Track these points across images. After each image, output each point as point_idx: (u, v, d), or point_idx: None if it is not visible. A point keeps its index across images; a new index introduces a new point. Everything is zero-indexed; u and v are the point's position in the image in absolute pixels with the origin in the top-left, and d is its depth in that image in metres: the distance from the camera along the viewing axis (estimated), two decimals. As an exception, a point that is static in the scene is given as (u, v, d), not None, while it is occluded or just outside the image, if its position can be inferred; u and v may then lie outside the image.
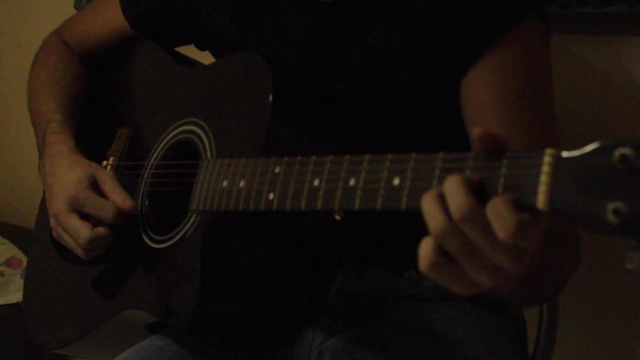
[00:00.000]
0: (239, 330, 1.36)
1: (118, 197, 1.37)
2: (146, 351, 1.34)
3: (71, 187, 1.39)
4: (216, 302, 1.28)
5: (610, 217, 0.77)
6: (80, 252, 1.39)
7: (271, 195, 1.12)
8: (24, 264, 2.55)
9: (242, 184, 1.18)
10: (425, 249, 0.87)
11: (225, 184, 1.22)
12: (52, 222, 1.42)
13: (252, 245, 1.30)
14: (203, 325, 1.35)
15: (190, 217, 1.29)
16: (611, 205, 0.77)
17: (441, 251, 0.87)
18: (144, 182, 1.44)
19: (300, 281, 1.36)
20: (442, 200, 0.86)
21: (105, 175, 1.40)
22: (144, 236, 1.39)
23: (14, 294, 2.52)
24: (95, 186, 1.39)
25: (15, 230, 2.83)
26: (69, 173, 1.41)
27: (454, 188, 0.85)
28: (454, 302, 1.36)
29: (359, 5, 1.30)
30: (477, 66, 1.23)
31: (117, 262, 1.43)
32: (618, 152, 0.77)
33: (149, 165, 1.44)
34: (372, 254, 1.39)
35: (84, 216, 1.38)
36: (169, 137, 1.43)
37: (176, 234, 1.31)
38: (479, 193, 0.86)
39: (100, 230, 1.36)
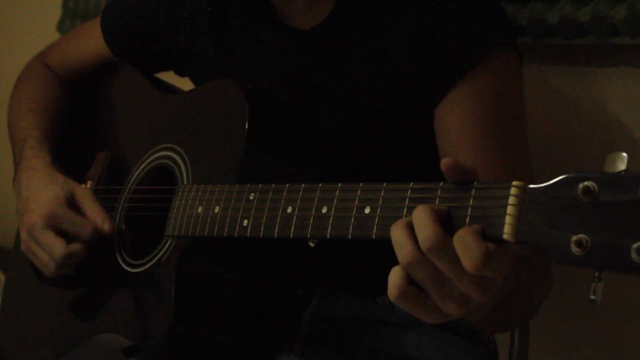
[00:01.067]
0: (213, 355, 1.36)
1: (98, 218, 1.37)
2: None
3: (48, 203, 1.39)
4: (190, 327, 1.29)
5: (574, 249, 0.79)
6: (50, 268, 1.39)
7: (245, 222, 1.14)
8: (2, 283, 2.54)
9: (217, 209, 1.20)
10: (394, 278, 0.88)
11: (200, 209, 1.23)
12: (24, 236, 1.42)
13: (227, 271, 1.31)
14: (177, 349, 1.35)
15: (166, 242, 1.31)
16: (575, 237, 0.79)
17: (410, 280, 0.88)
18: (121, 206, 1.45)
19: (274, 306, 1.37)
20: (410, 230, 0.88)
21: (84, 194, 1.41)
22: (119, 260, 1.40)
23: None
24: (72, 203, 1.40)
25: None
26: (46, 189, 1.42)
27: (422, 218, 0.87)
28: (426, 328, 1.37)
29: (336, 34, 1.32)
30: (451, 95, 1.24)
31: (93, 284, 1.44)
32: (582, 185, 0.79)
33: (127, 190, 1.46)
34: (346, 279, 1.40)
35: (59, 233, 1.38)
36: (146, 162, 1.45)
37: (151, 259, 1.32)
38: (447, 223, 0.88)
39: (76, 247, 1.37)
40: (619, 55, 1.50)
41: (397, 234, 0.89)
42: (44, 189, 1.42)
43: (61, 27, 2.53)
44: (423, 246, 0.86)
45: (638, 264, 0.75)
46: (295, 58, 1.36)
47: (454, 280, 0.86)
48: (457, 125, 1.24)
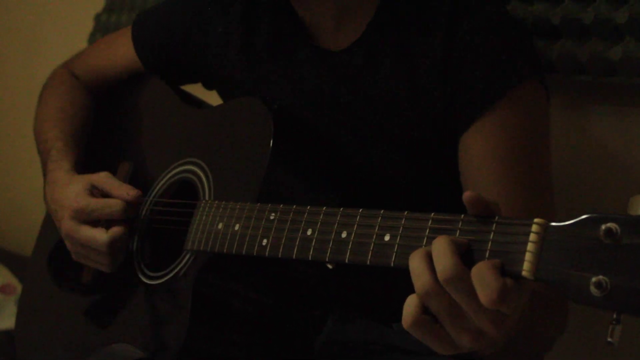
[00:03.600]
0: (224, 372, 1.37)
1: (122, 191, 1.39)
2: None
3: (72, 203, 1.40)
4: (204, 342, 1.29)
5: (594, 290, 0.79)
6: (106, 262, 1.38)
7: (264, 242, 1.15)
8: (19, 291, 2.56)
9: (237, 227, 1.20)
10: (410, 306, 0.88)
11: (220, 226, 1.23)
12: (69, 245, 1.42)
13: (243, 288, 1.31)
14: (189, 363, 1.36)
15: (185, 256, 1.31)
16: (595, 279, 0.79)
17: (425, 309, 0.88)
18: (142, 218, 1.45)
19: (289, 327, 1.37)
20: (429, 260, 0.88)
21: (101, 178, 1.42)
22: (138, 271, 1.40)
23: (6, 321, 2.50)
24: (94, 192, 1.41)
25: (11, 256, 2.84)
26: (67, 191, 1.43)
27: (441, 249, 0.87)
28: (440, 357, 1.37)
29: (365, 57, 1.33)
30: (475, 125, 1.25)
31: (110, 295, 1.44)
32: (605, 227, 0.79)
33: (148, 202, 1.46)
34: (363, 304, 1.40)
35: (95, 224, 1.39)
36: (169, 175, 1.45)
37: (169, 272, 1.33)
38: (467, 256, 0.88)
39: (116, 229, 1.37)
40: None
41: (416, 263, 0.89)
42: (65, 193, 1.43)
43: (92, 40, 2.55)
44: (441, 277, 0.86)
45: (657, 309, 0.75)
46: (322, 79, 1.37)
47: (470, 314, 0.86)
48: (480, 156, 1.24)
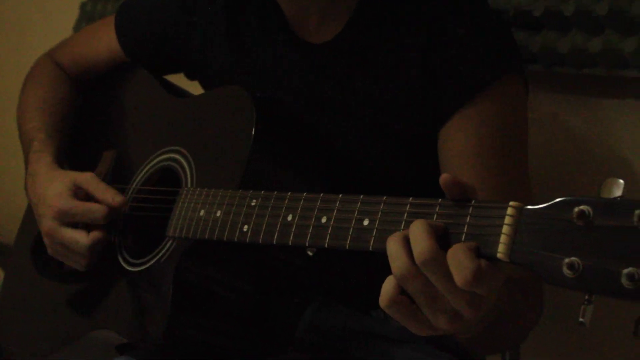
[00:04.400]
0: (206, 356, 1.37)
1: (107, 196, 1.38)
2: (113, 370, 1.36)
3: (54, 203, 1.40)
4: (186, 328, 1.30)
5: (566, 271, 0.80)
6: (82, 262, 1.40)
7: (245, 227, 1.16)
8: (1, 277, 2.56)
9: (218, 214, 1.21)
10: (387, 287, 0.90)
11: (202, 212, 1.24)
12: (47, 242, 1.43)
13: (224, 275, 1.32)
14: (171, 349, 1.36)
15: (167, 243, 1.32)
16: (567, 260, 0.80)
17: (402, 291, 0.90)
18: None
19: (270, 313, 1.38)
20: (406, 243, 0.89)
21: (86, 179, 1.41)
22: (120, 259, 1.41)
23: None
24: (78, 193, 1.41)
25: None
26: (49, 189, 1.43)
27: (418, 232, 0.88)
28: (418, 344, 1.38)
29: (347, 50, 1.34)
30: (455, 118, 1.26)
31: (92, 282, 1.45)
32: (577, 209, 0.80)
33: (131, 189, 1.47)
34: (342, 291, 1.41)
35: (77, 226, 1.39)
36: (152, 163, 1.46)
37: (151, 259, 1.33)
38: (443, 239, 0.89)
39: (97, 234, 1.38)
40: (627, 88, 1.51)
41: (393, 246, 0.90)
42: (46, 190, 1.43)
43: (77, 28, 2.55)
44: (418, 259, 0.87)
45: (628, 289, 0.76)
46: (305, 71, 1.38)
47: (446, 295, 0.87)
48: (459, 148, 1.26)
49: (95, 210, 1.38)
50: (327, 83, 1.36)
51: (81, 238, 1.37)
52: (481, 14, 1.30)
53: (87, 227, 1.39)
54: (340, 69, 1.35)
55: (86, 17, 2.55)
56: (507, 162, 1.26)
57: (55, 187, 1.42)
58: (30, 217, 1.66)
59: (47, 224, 1.41)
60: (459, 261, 0.85)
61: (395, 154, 1.35)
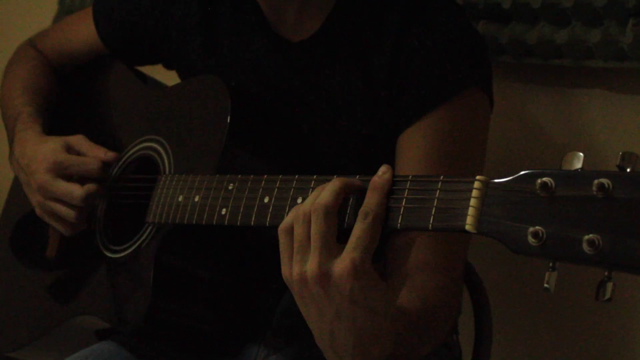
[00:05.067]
0: (186, 341, 1.40)
1: (99, 152, 1.44)
2: (93, 355, 1.38)
3: (49, 156, 1.44)
4: (166, 312, 1.33)
5: (531, 240, 0.84)
6: (72, 219, 1.43)
7: (224, 211, 1.19)
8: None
9: (197, 198, 1.24)
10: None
11: (181, 198, 1.28)
12: (38, 199, 1.45)
13: (204, 260, 1.36)
14: (152, 333, 1.39)
15: (147, 229, 1.35)
16: (532, 229, 0.84)
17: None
18: (104, 193, 1.49)
19: (248, 298, 1.41)
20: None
21: (78, 139, 1.47)
22: (100, 246, 1.44)
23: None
24: (70, 152, 1.45)
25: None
26: (42, 147, 1.46)
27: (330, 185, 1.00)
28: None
29: (321, 51, 1.37)
30: (415, 126, 1.29)
31: (73, 269, 1.48)
32: (540, 181, 0.84)
33: (110, 178, 1.49)
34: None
35: (69, 180, 1.43)
36: (130, 152, 1.49)
37: (132, 245, 1.36)
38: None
39: (92, 186, 1.42)
40: (593, 78, 1.55)
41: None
42: (39, 148, 1.47)
43: (57, 21, 2.52)
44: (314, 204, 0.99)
45: (588, 255, 0.80)
46: (279, 68, 1.40)
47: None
48: (414, 155, 1.29)
49: (90, 161, 1.43)
50: (299, 81, 1.39)
51: (76, 190, 1.41)
52: (452, 27, 1.31)
53: (80, 183, 1.43)
54: (313, 68, 1.38)
55: (65, 11, 2.55)
56: (455, 169, 1.28)
57: (48, 145, 1.46)
58: (9, 207, 1.69)
59: (40, 177, 1.44)
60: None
61: (355, 152, 1.38)
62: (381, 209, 0.98)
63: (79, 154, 1.45)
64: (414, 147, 1.29)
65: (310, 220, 0.98)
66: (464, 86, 1.29)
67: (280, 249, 1.02)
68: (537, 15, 1.54)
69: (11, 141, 1.56)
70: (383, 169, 1.00)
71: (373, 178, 1.00)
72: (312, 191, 1.05)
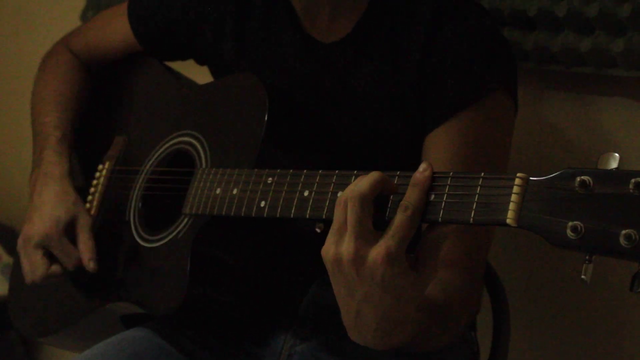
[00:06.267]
0: (216, 329, 1.44)
1: (86, 255, 1.49)
2: (126, 341, 1.42)
3: (48, 225, 1.50)
4: (198, 300, 1.37)
5: (570, 234, 0.89)
6: (28, 279, 1.52)
7: (262, 203, 1.23)
8: (4, 260, 2.63)
9: (235, 191, 1.28)
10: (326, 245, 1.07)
11: (218, 191, 1.32)
12: (19, 241, 1.53)
13: (236, 250, 1.40)
14: (183, 320, 1.44)
15: (183, 220, 1.39)
16: (571, 224, 0.89)
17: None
18: (138, 185, 1.53)
19: (277, 288, 1.46)
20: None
21: (84, 223, 1.51)
22: (135, 235, 1.48)
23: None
24: (71, 228, 1.51)
25: (1, 228, 2.89)
26: (54, 207, 1.52)
27: (368, 177, 1.05)
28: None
29: (353, 51, 1.41)
30: (443, 127, 1.33)
31: (106, 257, 1.51)
32: (579, 179, 0.89)
33: (144, 171, 1.54)
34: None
35: (47, 253, 1.51)
36: (165, 146, 1.53)
37: (168, 235, 1.41)
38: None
39: (56, 269, 1.50)
40: (615, 86, 1.59)
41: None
42: (51, 206, 1.52)
43: (84, 16, 2.54)
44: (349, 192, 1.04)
45: (625, 249, 0.85)
46: (310, 68, 1.44)
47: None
48: (442, 156, 1.32)
49: (70, 257, 1.49)
50: (331, 82, 1.43)
51: (40, 268, 1.50)
52: (479, 30, 1.35)
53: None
54: (344, 70, 1.42)
55: (93, 6, 2.53)
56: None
57: (58, 210, 1.51)
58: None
59: (29, 232, 1.51)
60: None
61: (383, 151, 1.42)
62: (421, 204, 1.02)
63: (76, 236, 1.51)
64: (441, 148, 1.33)
65: (347, 205, 1.03)
66: (492, 89, 1.33)
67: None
68: (562, 23, 1.57)
69: (37, 160, 1.61)
70: (424, 165, 1.04)
71: (414, 174, 1.04)
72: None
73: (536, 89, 1.68)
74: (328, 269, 1.06)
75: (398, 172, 1.07)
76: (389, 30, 1.39)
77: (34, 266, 1.49)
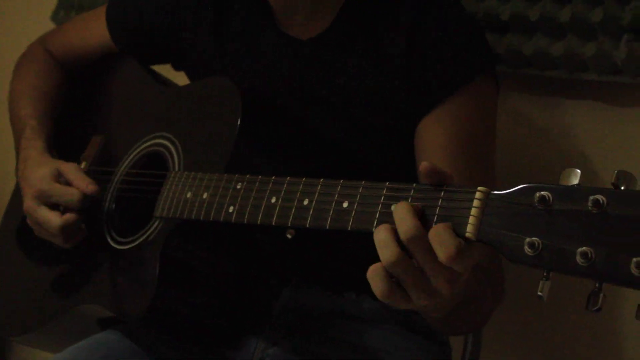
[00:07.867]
0: (187, 332, 1.45)
1: (82, 183, 1.47)
2: (99, 343, 1.43)
3: (36, 183, 1.49)
4: (169, 303, 1.37)
5: (527, 250, 0.89)
6: (58, 241, 1.48)
7: (231, 209, 1.23)
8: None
9: (205, 195, 1.29)
10: (377, 281, 0.97)
11: (189, 194, 1.32)
12: (28, 220, 1.52)
13: (208, 255, 1.40)
14: (155, 324, 1.44)
15: (154, 223, 1.39)
16: (528, 239, 0.89)
17: (391, 276, 0.97)
18: (112, 187, 1.53)
19: (249, 292, 1.46)
20: (394, 232, 0.97)
21: (67, 167, 1.50)
22: (107, 237, 1.48)
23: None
24: (60, 179, 1.50)
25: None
26: (35, 172, 1.51)
27: (403, 212, 0.96)
28: (389, 324, 1.47)
29: (332, 47, 1.42)
30: (433, 113, 1.35)
31: (80, 259, 1.52)
32: (539, 194, 0.89)
33: (119, 172, 1.54)
34: (317, 273, 1.48)
35: (55, 207, 1.48)
36: (140, 148, 1.53)
37: (139, 237, 1.41)
38: (421, 220, 0.98)
39: (70, 216, 1.46)
40: (586, 90, 1.60)
41: (382, 235, 0.97)
42: (32, 173, 1.52)
43: (56, 16, 2.53)
44: (404, 237, 0.95)
45: (581, 267, 0.85)
46: (290, 66, 1.45)
47: (428, 272, 0.95)
48: (434, 141, 1.34)
49: (71, 193, 1.46)
50: (312, 78, 1.43)
51: (54, 218, 1.46)
52: (458, 17, 1.39)
53: (64, 211, 1.47)
54: (325, 65, 1.42)
55: (64, 6, 2.52)
56: (475, 154, 1.35)
57: (40, 171, 1.51)
58: (16, 200, 1.73)
59: (27, 202, 1.50)
60: (442, 239, 0.92)
61: (374, 144, 1.43)
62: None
63: (67, 182, 1.49)
64: (435, 134, 1.35)
65: (408, 259, 0.96)
66: (477, 73, 1.36)
67: (392, 303, 0.99)
68: (534, 27, 1.58)
69: (17, 154, 1.62)
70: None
71: None
72: (318, 194, 1.10)
73: (509, 92, 1.69)
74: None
75: (387, 183, 1.04)
76: (370, 22, 1.40)
77: (46, 222, 1.47)
